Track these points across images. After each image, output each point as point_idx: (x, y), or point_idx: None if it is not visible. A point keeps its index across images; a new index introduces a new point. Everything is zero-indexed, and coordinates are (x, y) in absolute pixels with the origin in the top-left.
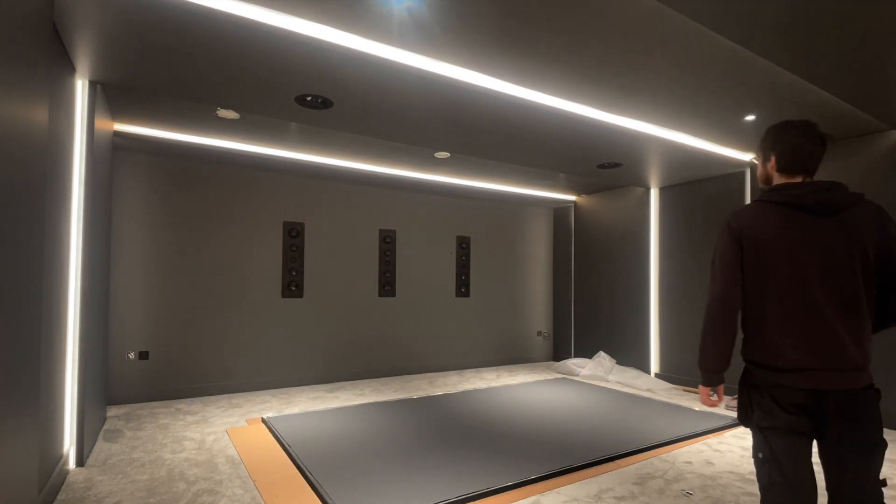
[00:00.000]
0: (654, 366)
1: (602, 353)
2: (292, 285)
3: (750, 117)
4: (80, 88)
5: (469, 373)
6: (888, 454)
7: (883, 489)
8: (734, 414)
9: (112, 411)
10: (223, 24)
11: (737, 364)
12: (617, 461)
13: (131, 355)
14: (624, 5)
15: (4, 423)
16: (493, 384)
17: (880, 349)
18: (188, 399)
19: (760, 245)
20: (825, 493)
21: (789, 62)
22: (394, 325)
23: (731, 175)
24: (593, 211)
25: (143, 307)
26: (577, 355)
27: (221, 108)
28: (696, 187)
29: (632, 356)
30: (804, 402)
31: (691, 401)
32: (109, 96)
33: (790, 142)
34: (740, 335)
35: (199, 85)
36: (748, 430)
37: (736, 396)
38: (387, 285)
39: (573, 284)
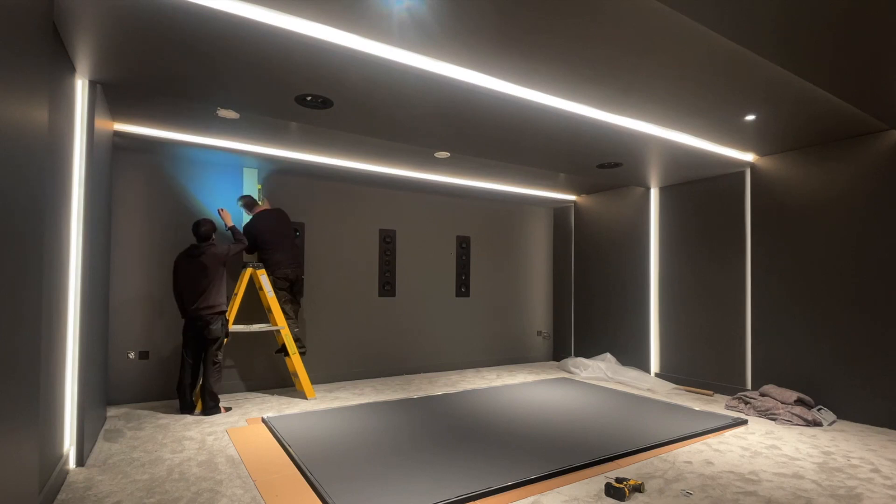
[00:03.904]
0: (654, 366)
1: (608, 355)
2: None
3: (750, 117)
4: (80, 88)
5: (469, 372)
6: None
7: None
8: (735, 414)
9: (112, 411)
10: (223, 24)
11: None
12: (617, 461)
13: (131, 355)
14: (624, 5)
15: (4, 423)
16: (494, 384)
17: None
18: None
19: None
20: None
21: (789, 62)
22: (394, 325)
23: (731, 175)
24: (593, 211)
25: (143, 307)
26: (577, 355)
27: (221, 108)
28: (696, 187)
29: (632, 356)
30: None
31: (691, 401)
32: (109, 96)
33: None
34: None
35: (200, 85)
36: (748, 429)
37: (735, 396)
38: (387, 285)
39: (573, 284)
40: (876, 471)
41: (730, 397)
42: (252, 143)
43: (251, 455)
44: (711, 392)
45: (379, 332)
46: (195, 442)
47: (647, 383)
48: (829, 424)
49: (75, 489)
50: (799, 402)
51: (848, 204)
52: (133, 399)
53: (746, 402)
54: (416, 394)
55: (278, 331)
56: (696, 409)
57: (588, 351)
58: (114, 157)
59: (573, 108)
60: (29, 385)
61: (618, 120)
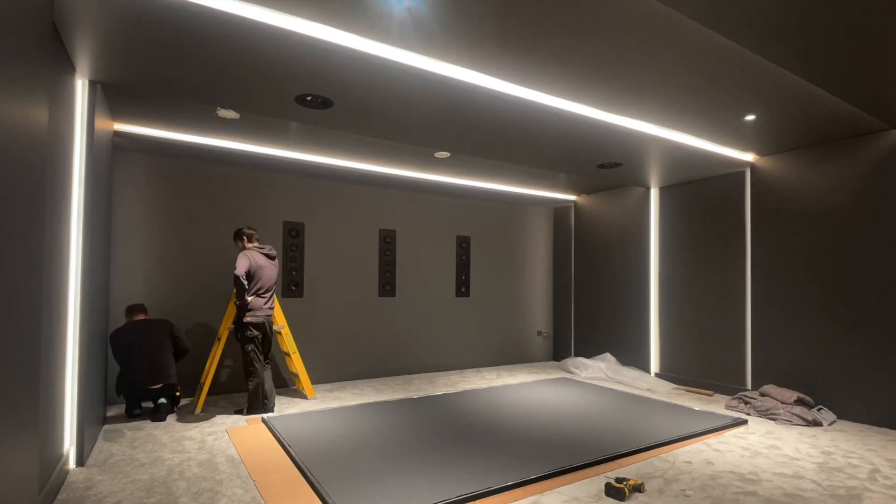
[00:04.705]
0: (654, 366)
1: (608, 355)
2: (292, 285)
3: (750, 117)
4: (80, 88)
5: (469, 372)
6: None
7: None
8: (735, 414)
9: (112, 411)
10: (223, 24)
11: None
12: (617, 461)
13: None
14: (624, 5)
15: (4, 423)
16: (494, 384)
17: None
18: (188, 399)
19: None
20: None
21: (789, 62)
22: (394, 325)
23: (731, 175)
24: (593, 211)
25: None
26: (577, 355)
27: (221, 108)
28: (696, 187)
29: (632, 356)
30: None
31: (691, 401)
32: (109, 96)
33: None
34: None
35: (199, 85)
36: (748, 429)
37: (735, 396)
38: (387, 285)
39: (573, 284)
40: (876, 471)
41: (730, 397)
42: (252, 143)
43: (251, 455)
44: (711, 392)
45: (379, 332)
46: (195, 442)
47: (647, 383)
48: (829, 424)
49: (75, 489)
50: (799, 402)
51: (848, 204)
52: None
53: (746, 402)
54: (416, 394)
55: (279, 331)
56: (696, 409)
57: (588, 351)
58: (114, 157)
59: (573, 108)
60: (29, 385)
61: (618, 120)
